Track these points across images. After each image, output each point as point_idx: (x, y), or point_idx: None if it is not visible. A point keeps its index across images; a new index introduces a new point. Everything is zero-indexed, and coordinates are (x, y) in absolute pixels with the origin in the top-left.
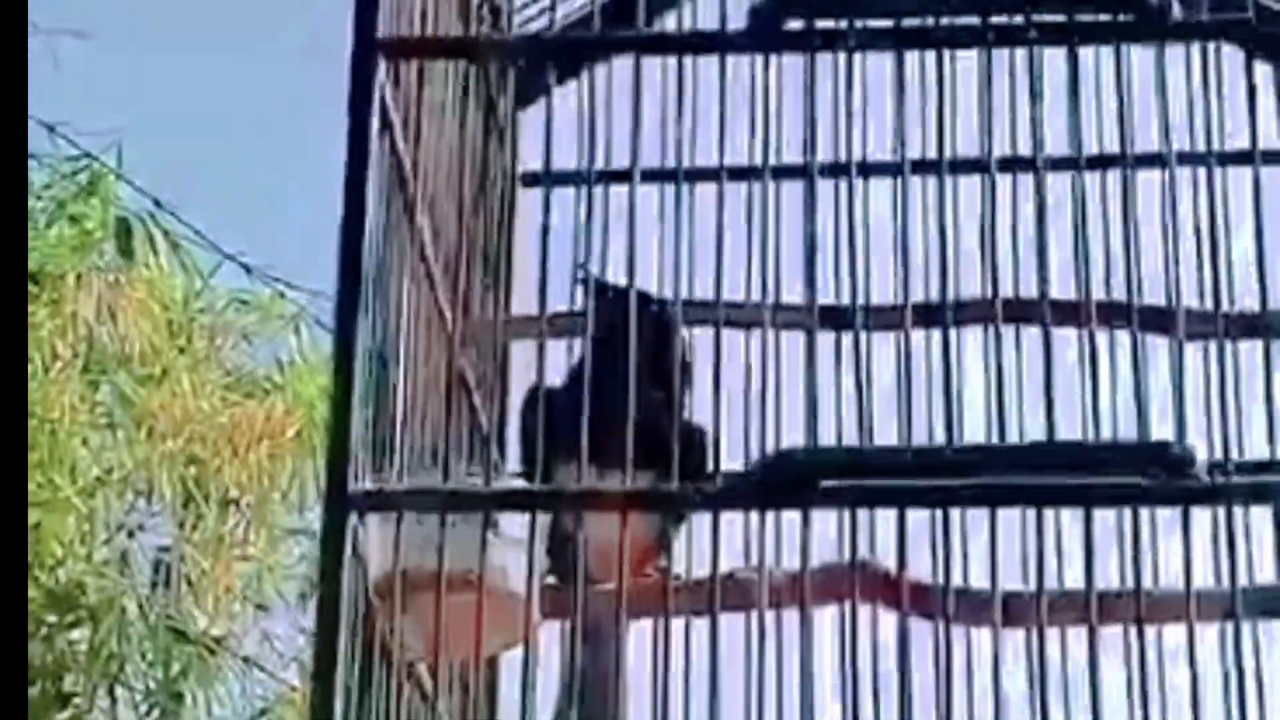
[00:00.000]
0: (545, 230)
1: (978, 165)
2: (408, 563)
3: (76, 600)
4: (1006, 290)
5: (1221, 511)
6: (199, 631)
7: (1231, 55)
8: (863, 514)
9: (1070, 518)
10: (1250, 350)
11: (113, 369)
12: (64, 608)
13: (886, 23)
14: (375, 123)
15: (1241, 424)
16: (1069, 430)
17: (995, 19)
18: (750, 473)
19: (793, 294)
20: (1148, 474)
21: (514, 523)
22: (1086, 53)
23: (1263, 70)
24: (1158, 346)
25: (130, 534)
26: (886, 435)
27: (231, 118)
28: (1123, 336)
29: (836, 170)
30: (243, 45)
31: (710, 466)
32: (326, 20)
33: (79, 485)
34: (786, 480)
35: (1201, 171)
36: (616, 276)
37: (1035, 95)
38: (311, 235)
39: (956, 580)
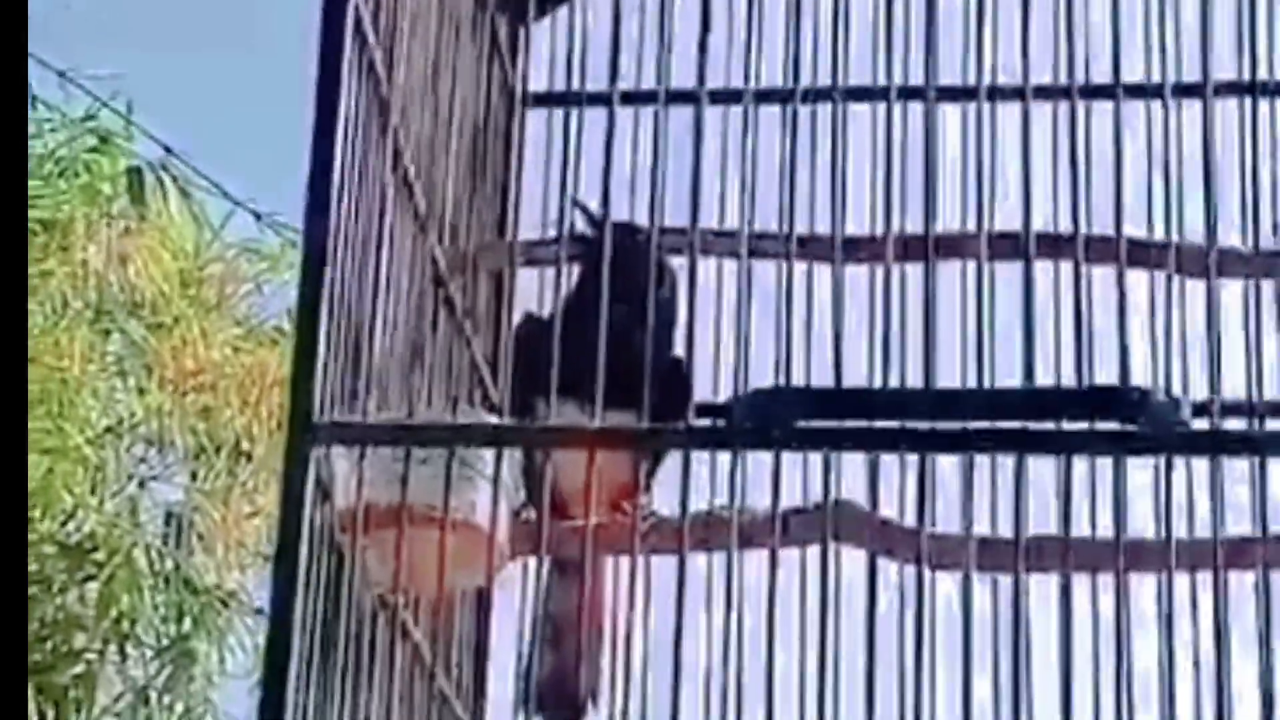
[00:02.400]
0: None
1: (965, 93)
2: (373, 496)
3: (87, 553)
4: (996, 224)
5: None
6: (211, 584)
7: None
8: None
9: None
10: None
11: (123, 318)
12: (75, 561)
13: None
14: (349, 31)
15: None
16: (1050, 371)
17: None
18: (725, 413)
19: (771, 223)
20: (1134, 420)
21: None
22: None
23: None
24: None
25: (141, 484)
26: (862, 373)
27: (241, 63)
28: (1107, 273)
29: (820, 96)
30: None
31: (692, 400)
32: None
33: (89, 435)
34: (762, 421)
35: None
36: (612, 203)
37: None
38: None
39: (931, 524)
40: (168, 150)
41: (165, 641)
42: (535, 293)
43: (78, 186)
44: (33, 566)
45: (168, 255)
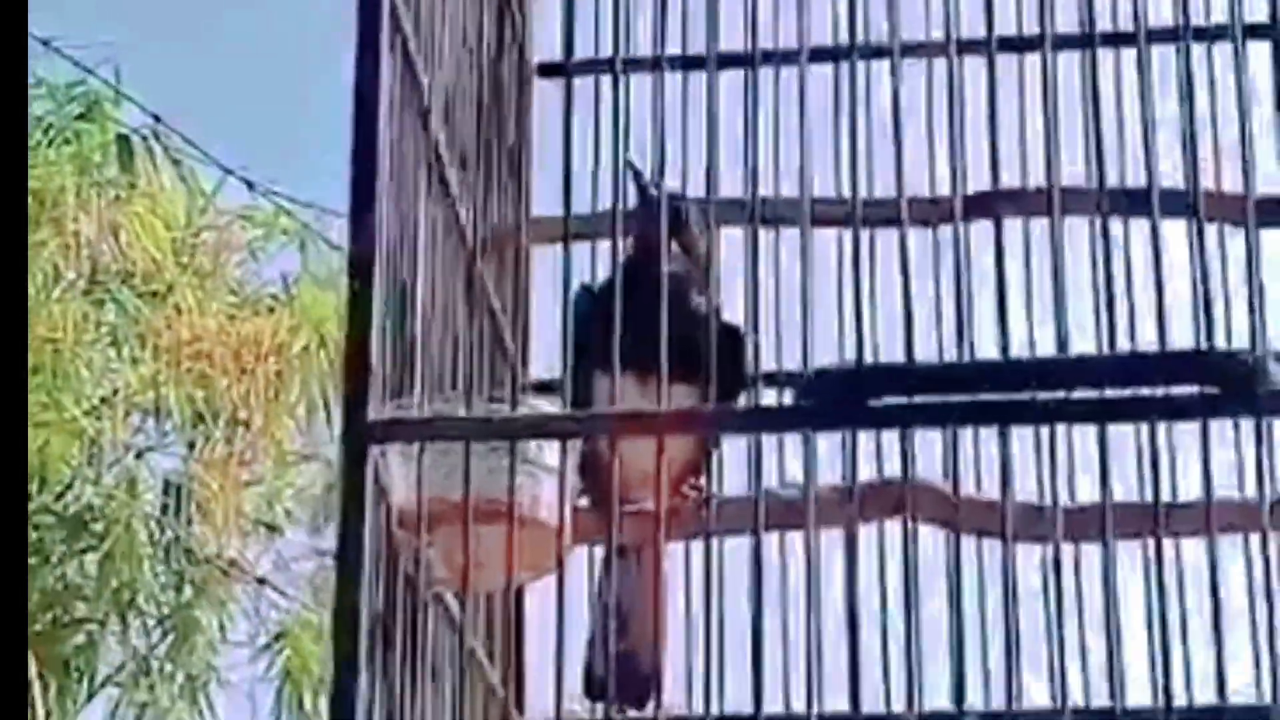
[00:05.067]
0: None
1: (983, 45)
2: (432, 492)
3: (86, 525)
4: (1072, 179)
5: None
6: (211, 553)
7: None
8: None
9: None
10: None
11: (116, 287)
12: (74, 532)
13: None
14: (386, 26)
15: None
16: (1126, 333)
17: None
18: (795, 392)
19: (828, 187)
20: (1217, 384)
21: (543, 444)
22: None
23: None
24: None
25: (139, 455)
26: (931, 344)
27: (230, 29)
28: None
29: (878, 53)
30: None
31: (750, 369)
32: None
33: (84, 406)
34: (831, 400)
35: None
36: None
37: None
38: (314, 149)
39: (1017, 496)
40: (156, 118)
41: (166, 611)
42: (555, 270)
43: (67, 155)
44: (31, 537)
45: (159, 224)
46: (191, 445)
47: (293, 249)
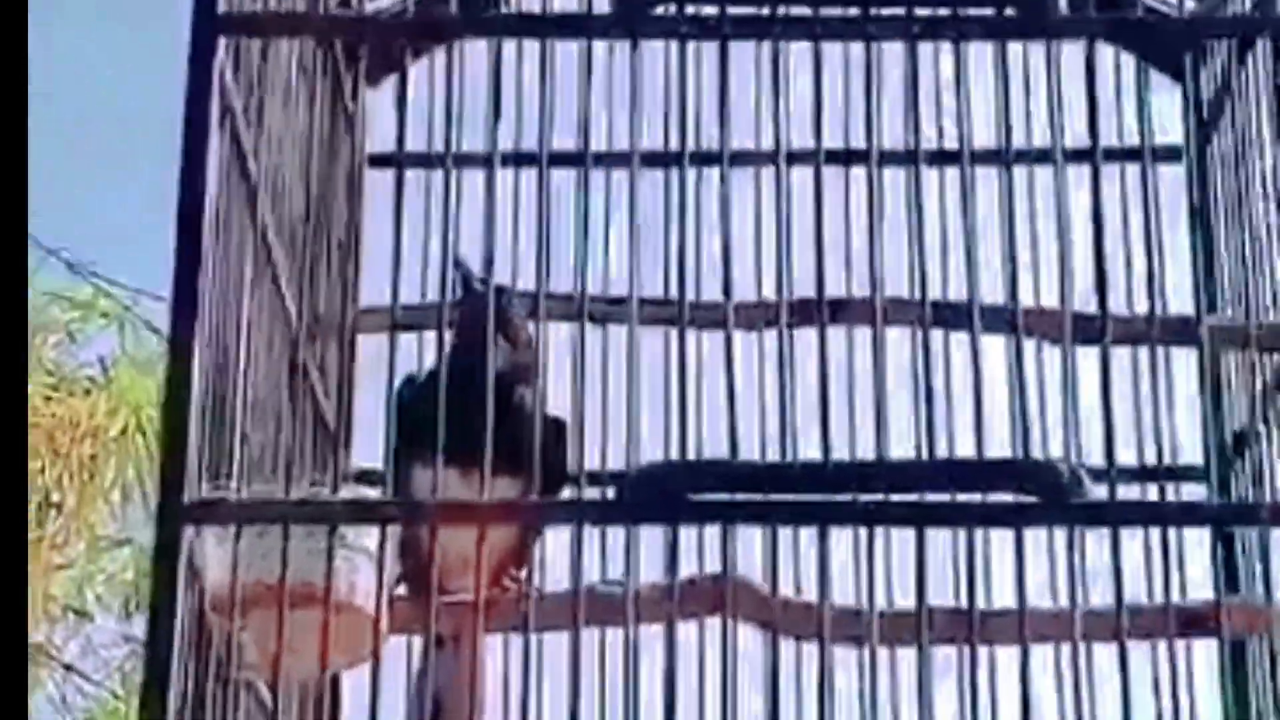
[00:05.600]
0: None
1: (852, 157)
2: (247, 575)
3: None
4: (895, 290)
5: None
6: None
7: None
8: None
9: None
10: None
11: None
12: None
13: (758, 10)
14: (215, 107)
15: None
16: (950, 439)
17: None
18: (618, 488)
19: (657, 288)
20: (1035, 492)
21: (362, 530)
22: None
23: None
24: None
25: None
26: (754, 442)
27: (53, 108)
28: (1000, 341)
29: (708, 159)
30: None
31: (570, 460)
32: None
33: None
34: (654, 495)
35: (1086, 169)
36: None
37: (913, 90)
38: (134, 229)
39: (834, 597)
40: None
41: None
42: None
43: None
44: None
45: None
46: None
47: (111, 331)
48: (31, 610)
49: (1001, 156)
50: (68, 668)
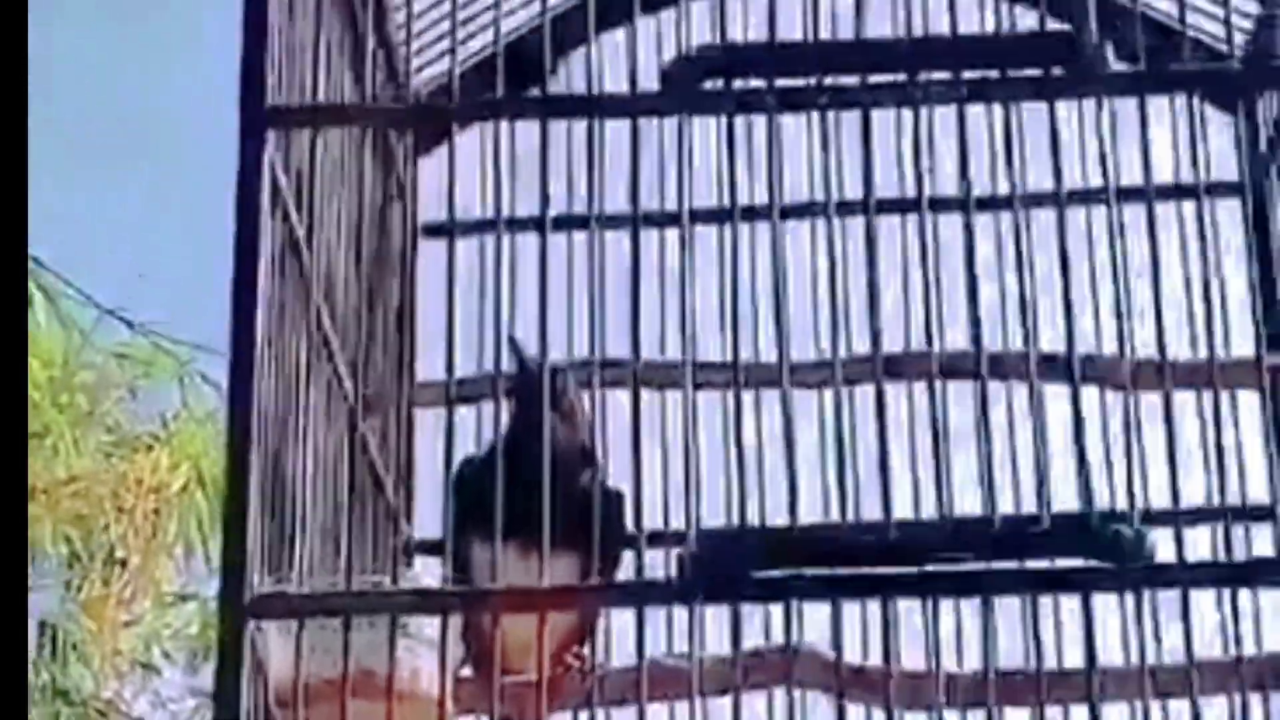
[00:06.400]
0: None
1: (903, 206)
2: (311, 668)
3: None
4: (948, 342)
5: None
6: (88, 694)
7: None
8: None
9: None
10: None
11: None
12: None
13: (805, 81)
14: (266, 196)
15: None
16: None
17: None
18: (680, 562)
19: (710, 352)
20: (1098, 557)
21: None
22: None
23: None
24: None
25: None
26: (816, 503)
27: (105, 166)
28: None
29: (757, 215)
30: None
31: (629, 531)
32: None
33: None
34: (717, 572)
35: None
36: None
37: (964, 153)
38: (190, 287)
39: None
40: (33, 259)
41: None
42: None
43: None
44: None
45: (37, 364)
46: (68, 585)
47: (171, 387)
48: (100, 666)
49: (1056, 199)
50: None
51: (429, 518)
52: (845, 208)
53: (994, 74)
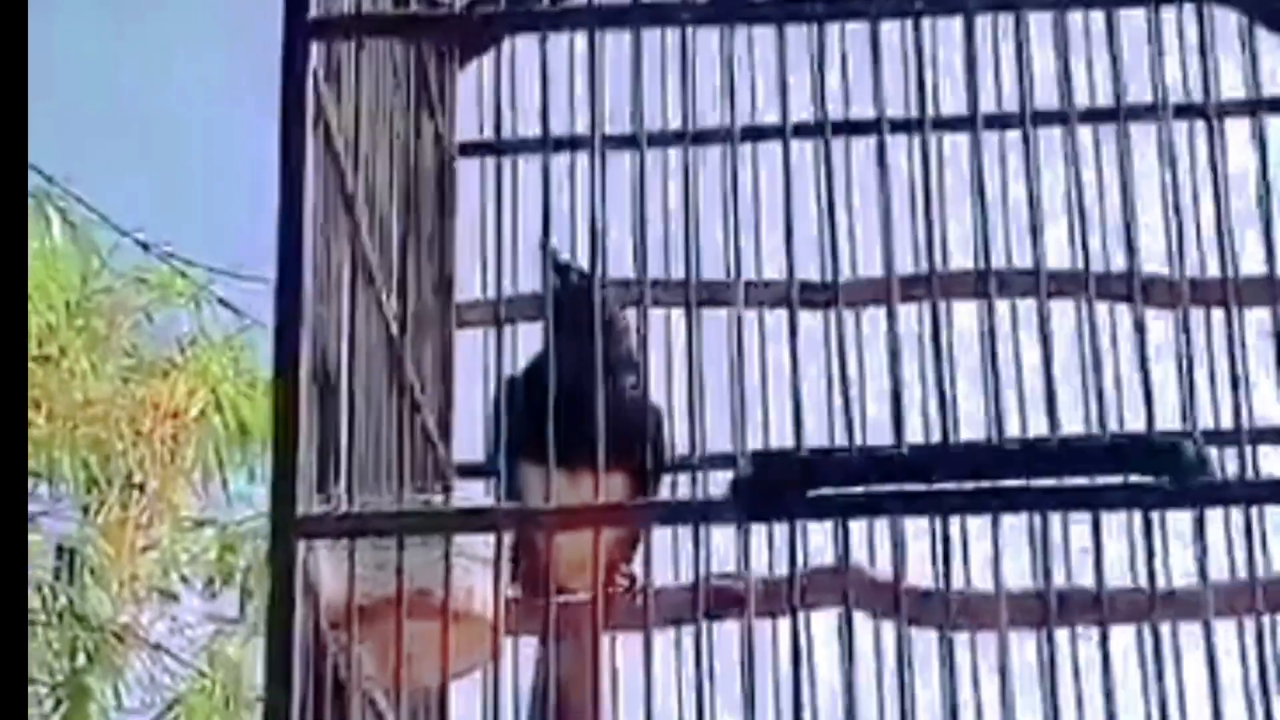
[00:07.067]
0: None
1: (963, 123)
2: (363, 588)
3: None
4: (998, 260)
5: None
6: (106, 619)
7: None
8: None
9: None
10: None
11: None
12: None
13: None
14: (310, 113)
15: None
16: (1069, 416)
17: None
18: (732, 484)
19: (767, 270)
20: (1158, 475)
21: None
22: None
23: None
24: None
25: (31, 519)
26: (876, 425)
27: (125, 87)
28: (1122, 311)
29: (811, 131)
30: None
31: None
32: None
33: None
34: (771, 491)
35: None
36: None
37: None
38: (210, 210)
39: (958, 583)
40: (48, 179)
41: (59, 678)
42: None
43: None
44: None
45: (54, 286)
46: (85, 510)
47: (188, 311)
48: (118, 591)
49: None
50: (155, 647)
51: (467, 440)
52: (900, 126)
53: None
